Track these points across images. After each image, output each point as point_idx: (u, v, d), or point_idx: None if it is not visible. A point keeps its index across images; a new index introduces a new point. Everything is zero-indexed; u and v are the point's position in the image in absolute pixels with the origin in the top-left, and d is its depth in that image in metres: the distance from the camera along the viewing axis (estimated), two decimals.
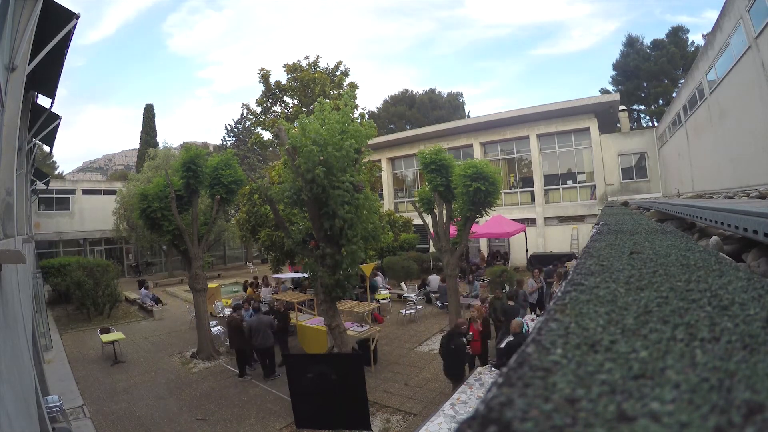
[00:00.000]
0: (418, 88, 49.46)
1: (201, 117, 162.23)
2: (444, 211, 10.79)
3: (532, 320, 9.08)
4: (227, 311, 12.48)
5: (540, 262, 16.11)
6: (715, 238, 1.82)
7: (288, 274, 14.07)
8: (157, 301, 15.89)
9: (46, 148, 14.63)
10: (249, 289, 14.25)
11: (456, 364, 6.77)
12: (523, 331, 6.99)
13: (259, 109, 22.90)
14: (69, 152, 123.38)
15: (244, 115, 27.94)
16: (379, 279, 14.78)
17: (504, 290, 10.83)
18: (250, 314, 9.64)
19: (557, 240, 19.54)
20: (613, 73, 34.77)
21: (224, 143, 38.31)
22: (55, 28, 5.02)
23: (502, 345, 6.82)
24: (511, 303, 8.83)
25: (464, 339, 7.03)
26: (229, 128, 38.50)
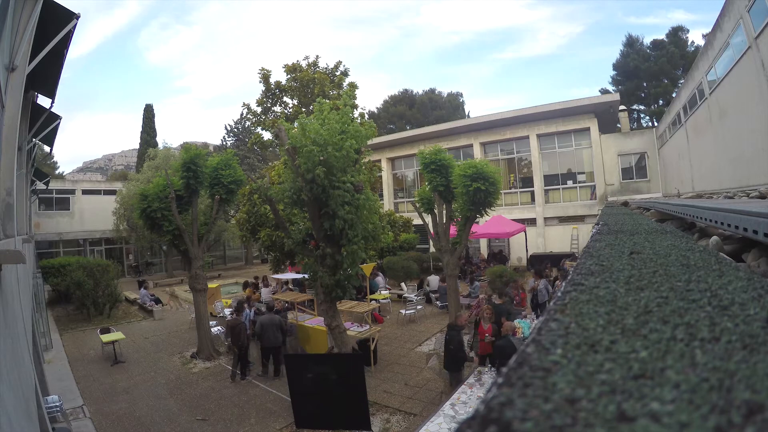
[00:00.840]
0: (418, 88, 49.46)
1: (201, 117, 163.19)
2: (444, 211, 10.79)
3: (532, 320, 9.09)
4: (227, 311, 12.49)
5: (540, 262, 16.14)
6: (715, 238, 1.82)
7: (288, 275, 14.06)
8: (157, 301, 15.89)
9: (46, 148, 14.64)
10: (248, 289, 14.24)
11: (454, 360, 6.82)
12: (524, 334, 7.02)
13: (259, 109, 22.92)
14: (69, 152, 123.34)
15: (244, 115, 27.94)
16: (380, 279, 14.78)
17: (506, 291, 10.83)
18: (246, 315, 9.64)
19: (557, 240, 19.54)
20: (613, 73, 34.82)
21: (224, 143, 38.32)
22: (55, 28, 5.01)
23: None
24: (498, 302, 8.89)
25: (461, 335, 7.09)
26: (229, 128, 38.52)
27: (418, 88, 47.21)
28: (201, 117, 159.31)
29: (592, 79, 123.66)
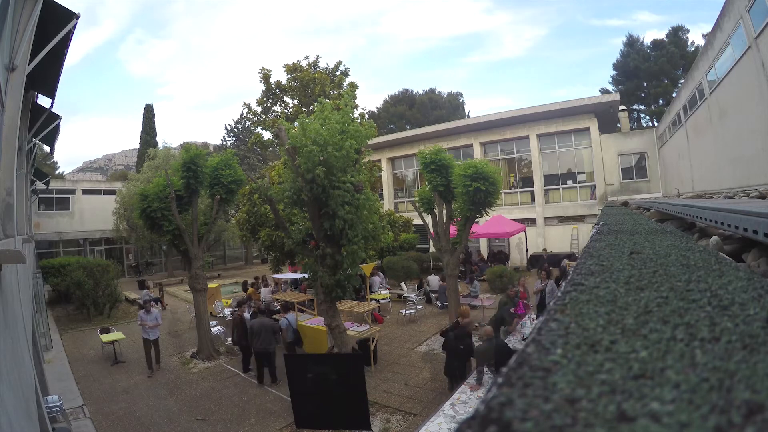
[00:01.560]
0: (418, 88, 49.46)
1: (201, 117, 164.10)
2: (444, 211, 10.79)
3: (532, 320, 9.09)
4: (227, 311, 12.49)
5: (540, 262, 16.14)
6: (715, 238, 1.82)
7: (287, 275, 14.07)
8: (156, 300, 15.88)
9: (47, 148, 14.63)
10: (250, 289, 14.22)
11: (462, 365, 6.74)
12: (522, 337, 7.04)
13: (259, 109, 22.92)
14: (69, 152, 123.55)
15: (244, 115, 27.95)
16: (377, 279, 14.76)
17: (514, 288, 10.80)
18: (249, 315, 9.65)
19: (557, 240, 19.54)
20: (613, 72, 34.82)
21: (224, 143, 38.32)
22: (55, 28, 5.01)
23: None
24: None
25: (472, 339, 7.03)
26: (229, 128, 38.53)
27: (417, 89, 47.10)
28: (201, 117, 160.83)
29: (566, 81, 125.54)
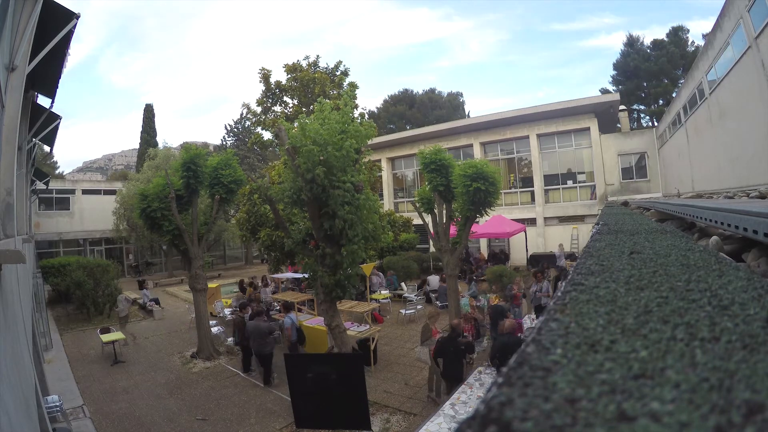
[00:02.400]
0: (418, 88, 49.51)
1: (200, 117, 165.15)
2: (444, 211, 10.79)
3: (532, 320, 9.10)
4: (227, 311, 12.49)
5: (538, 262, 16.11)
6: (715, 238, 1.83)
7: (287, 275, 14.07)
8: (156, 301, 15.88)
9: (46, 148, 14.64)
10: (249, 289, 14.19)
11: (458, 366, 6.72)
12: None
13: (259, 109, 22.91)
14: (69, 152, 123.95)
15: (244, 115, 27.96)
16: (376, 278, 14.75)
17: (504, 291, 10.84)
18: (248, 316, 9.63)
19: (557, 240, 19.54)
20: (613, 72, 34.82)
21: (224, 143, 38.33)
22: (55, 28, 5.01)
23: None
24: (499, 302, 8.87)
25: (462, 338, 7.03)
26: (228, 128, 38.54)
27: (418, 89, 47.28)
28: (201, 117, 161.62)
29: (541, 83, 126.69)
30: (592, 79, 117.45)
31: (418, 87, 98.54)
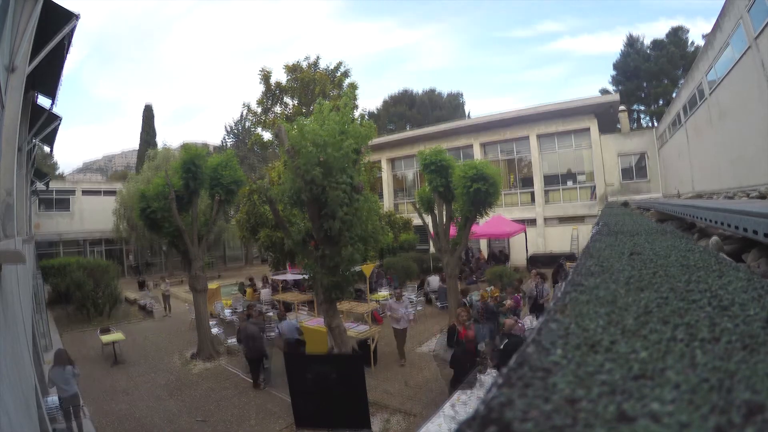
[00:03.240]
0: (418, 88, 49.52)
1: (200, 117, 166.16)
2: (444, 212, 10.79)
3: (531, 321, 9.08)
4: (227, 312, 12.49)
5: (541, 262, 16.12)
6: (715, 238, 1.83)
7: (287, 275, 14.07)
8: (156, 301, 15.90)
9: (47, 149, 14.63)
10: (249, 290, 14.19)
11: (464, 372, 6.61)
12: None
13: (259, 110, 22.92)
14: (69, 152, 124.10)
15: (244, 115, 27.98)
16: (383, 281, 14.74)
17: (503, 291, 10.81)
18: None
19: (557, 240, 19.54)
20: (613, 72, 34.84)
21: (224, 143, 38.32)
22: (55, 28, 5.01)
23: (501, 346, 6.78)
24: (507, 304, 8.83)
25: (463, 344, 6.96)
26: (228, 128, 38.52)
27: (417, 89, 47.44)
28: (200, 117, 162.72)
29: (499, 88, 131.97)
30: (564, 82, 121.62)
31: (417, 88, 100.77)
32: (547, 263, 16.06)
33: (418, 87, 67.43)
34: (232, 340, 10.22)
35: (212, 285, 13.37)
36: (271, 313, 11.37)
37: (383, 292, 14.24)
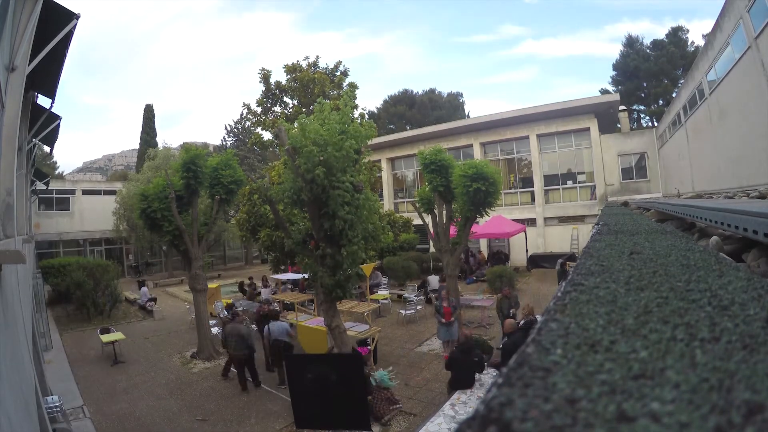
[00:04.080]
0: (418, 88, 49.55)
1: (200, 117, 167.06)
2: (444, 212, 10.79)
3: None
4: (227, 312, 12.47)
5: (542, 261, 16.12)
6: (715, 238, 1.83)
7: (287, 275, 14.07)
8: (154, 300, 15.89)
9: (47, 148, 14.63)
10: (249, 290, 14.19)
11: (470, 380, 6.43)
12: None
13: (259, 110, 22.92)
14: (69, 152, 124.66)
15: (244, 115, 27.96)
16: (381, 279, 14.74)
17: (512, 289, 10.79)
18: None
19: (557, 240, 19.54)
20: (613, 73, 34.83)
21: (224, 143, 38.31)
22: (55, 28, 5.01)
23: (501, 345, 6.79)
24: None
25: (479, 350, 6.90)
26: (228, 128, 38.52)
27: (417, 89, 47.53)
28: (200, 117, 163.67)
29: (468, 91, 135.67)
30: (537, 84, 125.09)
31: (418, 88, 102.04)
32: (548, 262, 16.09)
33: (392, 91, 68.29)
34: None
35: (212, 285, 13.38)
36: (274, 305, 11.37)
37: (383, 292, 14.25)
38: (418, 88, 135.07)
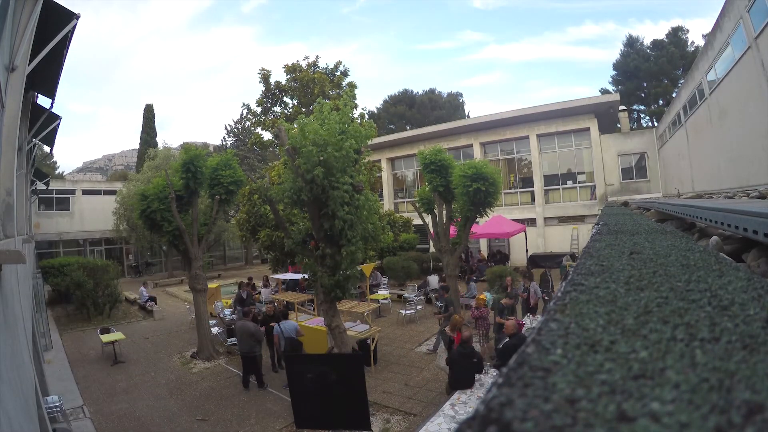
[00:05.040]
0: (418, 88, 49.57)
1: (200, 117, 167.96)
2: (444, 212, 10.79)
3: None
4: (227, 311, 12.47)
5: (534, 263, 16.11)
6: (715, 238, 1.83)
7: (287, 275, 14.07)
8: (153, 299, 15.89)
9: (46, 148, 14.64)
10: (249, 290, 14.15)
11: (469, 380, 6.37)
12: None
13: (259, 110, 22.92)
14: (69, 152, 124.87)
15: (244, 115, 27.98)
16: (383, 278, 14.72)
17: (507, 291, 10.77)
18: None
19: (557, 240, 19.54)
20: (613, 73, 34.83)
21: (224, 143, 38.31)
22: (55, 28, 5.01)
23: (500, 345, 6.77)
24: (504, 301, 8.78)
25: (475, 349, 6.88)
26: (228, 128, 38.50)
27: (417, 89, 47.57)
28: (200, 117, 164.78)
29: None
30: (512, 87, 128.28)
31: (418, 87, 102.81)
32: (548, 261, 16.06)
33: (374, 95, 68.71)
34: (232, 340, 10.22)
35: (212, 285, 13.37)
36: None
37: (383, 292, 14.25)
38: (391, 90, 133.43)
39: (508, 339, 6.63)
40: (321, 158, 6.41)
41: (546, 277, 11.55)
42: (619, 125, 22.36)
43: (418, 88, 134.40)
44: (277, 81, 22.31)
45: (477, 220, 10.50)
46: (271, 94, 22.57)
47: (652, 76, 31.54)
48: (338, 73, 23.01)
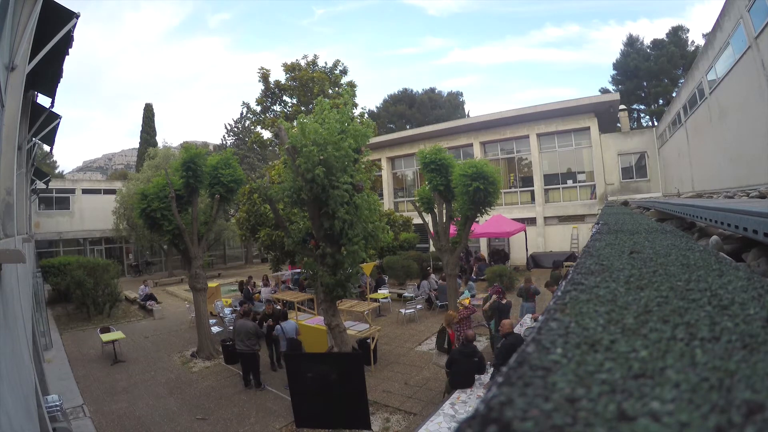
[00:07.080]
0: (418, 88, 49.56)
1: (201, 116, 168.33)
2: (444, 211, 10.79)
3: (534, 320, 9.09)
4: (227, 311, 12.48)
5: (535, 263, 16.12)
6: (715, 237, 1.83)
7: (290, 272, 14.08)
8: (152, 297, 15.89)
9: (46, 148, 14.63)
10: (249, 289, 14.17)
11: (469, 379, 6.33)
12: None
13: (258, 109, 22.91)
14: (69, 152, 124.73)
15: (244, 114, 27.96)
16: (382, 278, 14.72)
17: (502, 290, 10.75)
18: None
19: (557, 240, 19.54)
20: (613, 72, 34.81)
21: (224, 143, 38.29)
22: (55, 27, 5.01)
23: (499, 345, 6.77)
24: (504, 301, 8.77)
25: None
26: (228, 128, 38.48)
27: (417, 88, 47.54)
28: (201, 116, 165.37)
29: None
30: (486, 90, 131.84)
31: (417, 87, 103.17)
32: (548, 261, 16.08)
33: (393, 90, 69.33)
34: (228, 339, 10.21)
35: (212, 284, 13.37)
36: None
37: (383, 292, 14.25)
38: (377, 95, 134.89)
39: (504, 339, 6.63)
40: (321, 158, 6.42)
41: (557, 274, 11.50)
42: (619, 125, 22.34)
43: (392, 89, 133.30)
44: (276, 80, 22.31)
45: (477, 219, 10.49)
46: (271, 93, 22.56)
47: (652, 75, 31.52)
48: (337, 72, 23.01)
